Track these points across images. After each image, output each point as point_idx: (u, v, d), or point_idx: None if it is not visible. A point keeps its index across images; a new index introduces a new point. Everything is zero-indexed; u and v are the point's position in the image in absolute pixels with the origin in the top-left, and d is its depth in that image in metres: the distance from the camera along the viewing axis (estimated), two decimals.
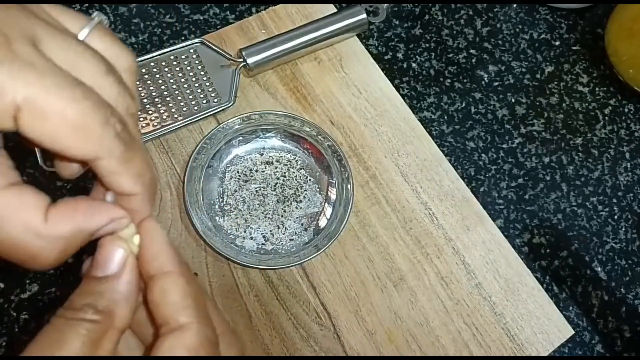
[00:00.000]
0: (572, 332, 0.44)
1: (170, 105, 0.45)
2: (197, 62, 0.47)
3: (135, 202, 0.20)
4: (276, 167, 0.46)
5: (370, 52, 0.52)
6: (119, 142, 0.18)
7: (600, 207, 0.50)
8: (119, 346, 0.21)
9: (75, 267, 0.42)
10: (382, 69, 0.51)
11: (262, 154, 0.46)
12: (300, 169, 0.46)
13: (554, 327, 0.44)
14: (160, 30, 0.50)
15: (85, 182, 0.44)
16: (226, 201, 0.44)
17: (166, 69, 0.46)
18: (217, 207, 0.44)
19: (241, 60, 0.46)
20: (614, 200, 0.51)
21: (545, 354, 0.43)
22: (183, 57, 0.47)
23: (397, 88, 0.51)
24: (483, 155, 0.51)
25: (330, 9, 0.52)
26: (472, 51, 0.55)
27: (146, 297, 0.20)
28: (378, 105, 0.49)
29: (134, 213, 0.20)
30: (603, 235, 0.49)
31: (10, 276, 0.40)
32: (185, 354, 0.18)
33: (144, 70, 0.46)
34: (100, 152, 0.18)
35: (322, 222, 0.45)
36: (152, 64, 0.46)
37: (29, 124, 0.17)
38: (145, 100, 0.45)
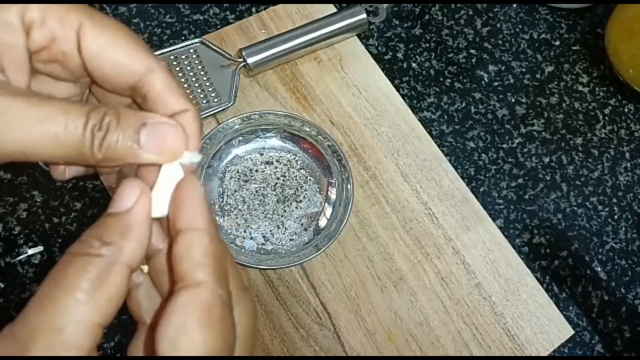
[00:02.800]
0: (572, 332, 0.44)
1: None
2: (197, 62, 0.47)
3: (188, 119, 0.21)
4: (276, 167, 0.46)
5: (370, 52, 0.52)
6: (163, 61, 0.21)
7: (600, 207, 0.50)
8: (139, 295, 0.21)
9: None
10: (382, 69, 0.51)
11: (262, 154, 0.46)
12: (300, 169, 0.46)
13: (554, 327, 0.44)
14: (160, 30, 0.50)
15: (85, 182, 0.44)
16: (226, 201, 0.44)
17: None
18: (217, 207, 0.44)
19: (241, 60, 0.46)
20: (614, 200, 0.51)
21: (545, 354, 0.43)
22: (183, 57, 0.47)
23: (397, 88, 0.51)
24: (483, 155, 0.51)
25: (330, 9, 0.52)
26: (472, 51, 0.55)
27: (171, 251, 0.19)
28: (378, 105, 0.49)
29: (187, 133, 0.20)
30: (603, 235, 0.49)
31: (10, 276, 0.40)
32: (198, 311, 0.18)
33: None
34: (153, 64, 0.20)
35: (322, 222, 0.45)
36: None
37: (91, 35, 0.20)
38: None
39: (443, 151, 0.49)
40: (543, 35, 0.57)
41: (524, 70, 0.55)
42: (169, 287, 0.20)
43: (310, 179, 0.46)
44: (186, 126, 0.20)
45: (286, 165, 0.46)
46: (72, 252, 0.18)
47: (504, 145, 0.51)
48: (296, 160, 0.46)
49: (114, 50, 0.20)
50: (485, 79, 0.54)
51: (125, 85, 0.21)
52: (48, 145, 0.18)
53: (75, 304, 0.17)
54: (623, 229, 0.50)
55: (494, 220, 0.47)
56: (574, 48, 0.57)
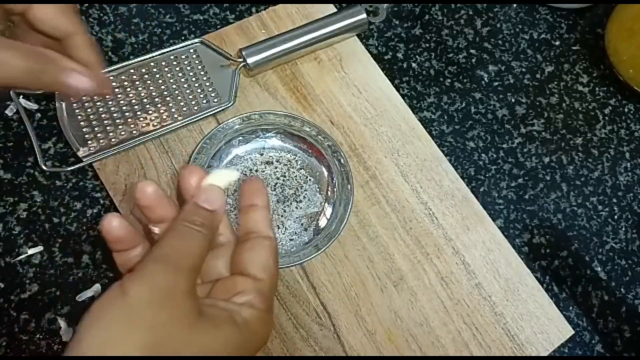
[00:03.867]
0: (572, 332, 0.44)
1: (170, 105, 0.45)
2: (197, 62, 0.47)
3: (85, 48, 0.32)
4: (276, 167, 0.46)
5: (370, 52, 0.52)
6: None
7: (600, 207, 0.50)
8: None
9: (75, 268, 0.42)
10: (382, 69, 0.51)
11: (262, 154, 0.46)
12: (300, 169, 0.46)
13: (554, 327, 0.44)
14: (160, 30, 0.50)
15: (85, 182, 0.44)
16: (226, 201, 0.44)
17: (166, 69, 0.46)
18: None
19: (241, 60, 0.46)
20: (614, 200, 0.51)
21: (545, 354, 0.43)
22: (183, 57, 0.47)
23: (397, 88, 0.51)
24: (483, 155, 0.51)
25: (330, 9, 0.52)
26: (472, 51, 0.55)
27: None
28: (378, 105, 0.49)
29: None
30: (603, 235, 0.49)
31: (10, 276, 0.40)
32: (271, 250, 0.29)
33: (144, 70, 0.46)
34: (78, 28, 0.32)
35: (322, 222, 0.45)
36: (152, 64, 0.46)
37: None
38: (145, 100, 0.45)
39: (443, 151, 0.49)
40: (543, 35, 0.57)
41: (524, 70, 0.55)
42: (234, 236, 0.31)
43: (310, 179, 0.46)
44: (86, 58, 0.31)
45: (286, 165, 0.46)
46: (190, 226, 0.27)
47: (504, 145, 0.51)
48: (296, 160, 0.46)
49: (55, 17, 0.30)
50: (485, 79, 0.54)
51: (54, 37, 0.31)
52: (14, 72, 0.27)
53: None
54: (623, 229, 0.50)
55: (494, 220, 0.47)
56: (574, 48, 0.57)
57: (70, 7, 0.31)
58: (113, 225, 0.26)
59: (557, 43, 0.57)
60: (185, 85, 0.46)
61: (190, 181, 0.29)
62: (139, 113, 0.45)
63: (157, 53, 0.46)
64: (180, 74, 0.46)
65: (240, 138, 0.46)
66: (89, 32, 0.30)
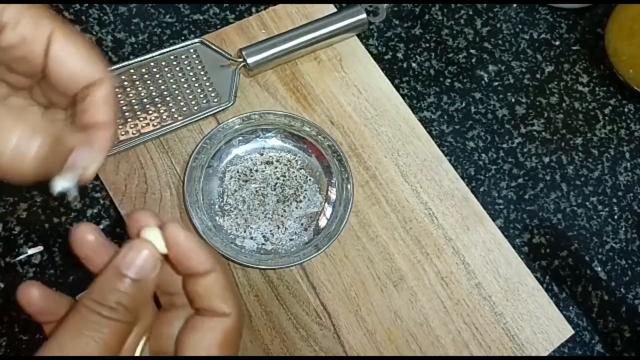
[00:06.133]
0: (572, 332, 0.44)
1: (170, 105, 0.45)
2: (197, 62, 0.47)
3: (104, 134, 0.26)
4: (276, 167, 0.46)
5: (370, 52, 0.52)
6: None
7: (600, 207, 0.50)
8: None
9: (75, 268, 0.42)
10: (382, 69, 0.51)
11: (262, 154, 0.46)
12: (300, 169, 0.46)
13: (554, 327, 0.44)
14: (160, 30, 0.50)
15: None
16: (226, 201, 0.44)
17: (166, 69, 0.46)
18: (217, 207, 0.44)
19: (241, 60, 0.46)
20: (614, 200, 0.51)
21: (545, 354, 0.43)
22: (183, 57, 0.47)
23: (397, 88, 0.51)
24: (483, 155, 0.51)
25: (330, 9, 0.52)
26: (472, 51, 0.55)
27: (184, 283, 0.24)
28: (378, 105, 0.49)
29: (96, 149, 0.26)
30: (603, 235, 0.49)
31: (10, 276, 0.40)
32: (222, 336, 0.22)
33: (144, 70, 0.46)
34: (102, 76, 0.25)
35: (322, 222, 0.45)
36: (152, 64, 0.46)
37: (60, 42, 0.24)
38: (145, 100, 0.45)
39: (443, 151, 0.49)
40: (543, 35, 0.57)
41: (524, 70, 0.55)
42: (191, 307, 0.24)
43: (310, 179, 0.46)
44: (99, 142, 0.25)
45: (286, 165, 0.46)
46: (99, 311, 0.20)
47: (504, 145, 0.51)
48: (296, 160, 0.46)
49: (75, 59, 0.24)
50: (485, 79, 0.54)
51: (73, 89, 0.25)
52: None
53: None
54: (623, 229, 0.50)
55: (494, 220, 0.47)
56: (574, 48, 0.57)
57: (97, 53, 0.26)
58: (32, 296, 0.22)
59: (557, 43, 0.57)
60: (185, 85, 0.46)
61: (134, 231, 0.22)
62: (139, 113, 0.45)
63: (157, 53, 0.46)
64: (180, 74, 0.46)
65: (240, 138, 0.46)
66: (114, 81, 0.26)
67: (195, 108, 0.46)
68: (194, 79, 0.47)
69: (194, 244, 0.22)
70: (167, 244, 0.22)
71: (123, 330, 0.21)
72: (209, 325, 0.22)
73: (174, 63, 0.47)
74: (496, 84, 0.54)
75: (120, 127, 0.44)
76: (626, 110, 0.55)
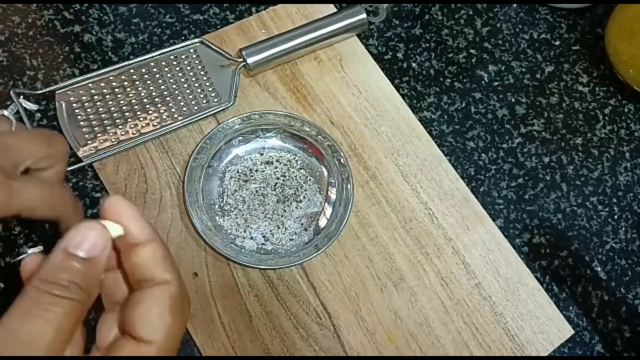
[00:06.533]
0: (572, 332, 0.44)
1: (170, 105, 0.45)
2: (197, 62, 0.47)
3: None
4: (276, 167, 0.46)
5: (370, 52, 0.52)
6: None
7: (600, 207, 0.50)
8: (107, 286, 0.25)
9: None
10: (382, 69, 0.51)
11: (262, 154, 0.46)
12: (300, 169, 0.46)
13: (554, 327, 0.44)
14: (160, 30, 0.50)
15: (85, 182, 0.44)
16: (226, 201, 0.44)
17: (166, 69, 0.46)
18: (217, 207, 0.44)
19: (241, 60, 0.46)
20: (614, 200, 0.51)
21: (545, 354, 0.43)
22: (183, 57, 0.47)
23: (397, 88, 0.51)
24: (483, 155, 0.51)
25: (330, 9, 0.52)
26: (472, 51, 0.55)
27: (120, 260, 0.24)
28: (378, 105, 0.49)
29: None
30: (603, 235, 0.49)
31: (10, 276, 0.40)
32: (169, 301, 0.22)
33: (144, 70, 0.46)
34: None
35: (322, 222, 0.45)
36: (152, 64, 0.46)
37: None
38: (145, 100, 0.45)
39: (443, 151, 0.49)
40: (543, 35, 0.57)
41: (524, 70, 0.55)
42: (128, 285, 0.24)
43: (310, 179, 0.46)
44: None
45: (286, 165, 0.46)
46: (52, 291, 0.20)
47: (504, 145, 0.51)
48: (296, 160, 0.46)
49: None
50: (485, 79, 0.54)
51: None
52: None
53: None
54: (623, 229, 0.50)
55: (494, 220, 0.47)
56: (574, 48, 0.57)
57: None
58: (27, 261, 0.22)
59: (557, 43, 0.57)
60: (185, 85, 0.46)
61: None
62: (139, 113, 0.45)
63: (157, 53, 0.46)
64: (180, 74, 0.46)
65: (240, 138, 0.46)
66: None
67: (195, 108, 0.46)
68: (194, 79, 0.47)
69: (137, 212, 0.23)
70: (109, 211, 0.22)
71: (77, 310, 0.20)
72: (153, 295, 0.22)
73: (174, 63, 0.47)
74: (496, 84, 0.54)
75: (120, 127, 0.44)
76: (626, 110, 0.55)
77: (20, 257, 0.41)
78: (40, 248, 0.41)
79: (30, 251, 0.41)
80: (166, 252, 0.23)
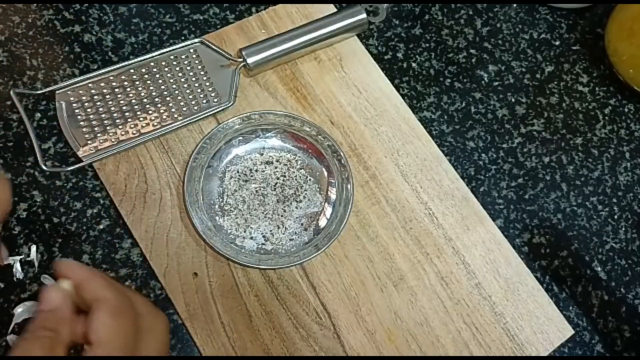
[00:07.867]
0: (572, 332, 0.44)
1: (170, 105, 0.45)
2: (197, 62, 0.47)
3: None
4: (276, 167, 0.46)
5: (370, 52, 0.52)
6: None
7: (600, 207, 0.50)
8: None
9: None
10: (382, 69, 0.51)
11: (262, 154, 0.46)
12: (300, 169, 0.46)
13: (554, 327, 0.44)
14: (160, 30, 0.50)
15: (85, 182, 0.44)
16: (226, 201, 0.44)
17: (166, 69, 0.46)
18: (217, 207, 0.44)
19: (241, 60, 0.46)
20: (614, 200, 0.51)
21: (545, 353, 0.43)
22: (183, 57, 0.47)
23: (397, 88, 0.51)
24: (483, 155, 0.51)
25: (330, 9, 0.52)
26: (472, 51, 0.55)
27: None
28: (378, 105, 0.49)
29: None
30: (603, 235, 0.49)
31: (10, 276, 0.40)
32: (110, 309, 0.28)
33: (144, 70, 0.46)
34: None
35: (322, 222, 0.45)
36: (152, 64, 0.46)
37: None
38: (145, 100, 0.45)
39: (443, 151, 0.49)
40: (543, 35, 0.57)
41: (524, 70, 0.55)
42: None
43: (310, 179, 0.46)
44: None
45: (286, 165, 0.46)
46: (27, 335, 0.28)
47: (504, 145, 0.51)
48: (296, 160, 0.46)
49: None
50: (485, 79, 0.54)
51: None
52: None
53: None
54: (623, 229, 0.50)
55: (494, 220, 0.47)
56: (574, 48, 0.57)
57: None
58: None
59: (557, 43, 0.57)
60: (185, 85, 0.46)
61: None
62: (139, 113, 0.45)
63: (157, 53, 0.46)
64: (180, 74, 0.46)
65: (240, 138, 0.46)
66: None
67: (195, 108, 0.46)
68: (194, 79, 0.47)
69: (76, 264, 0.30)
70: (59, 272, 0.30)
71: (55, 343, 0.27)
72: (97, 308, 0.28)
73: (174, 63, 0.47)
74: (496, 84, 0.54)
75: (120, 127, 0.44)
76: (626, 110, 0.55)
77: (20, 257, 0.41)
78: (40, 248, 0.41)
79: (30, 251, 0.41)
80: (105, 280, 0.30)
